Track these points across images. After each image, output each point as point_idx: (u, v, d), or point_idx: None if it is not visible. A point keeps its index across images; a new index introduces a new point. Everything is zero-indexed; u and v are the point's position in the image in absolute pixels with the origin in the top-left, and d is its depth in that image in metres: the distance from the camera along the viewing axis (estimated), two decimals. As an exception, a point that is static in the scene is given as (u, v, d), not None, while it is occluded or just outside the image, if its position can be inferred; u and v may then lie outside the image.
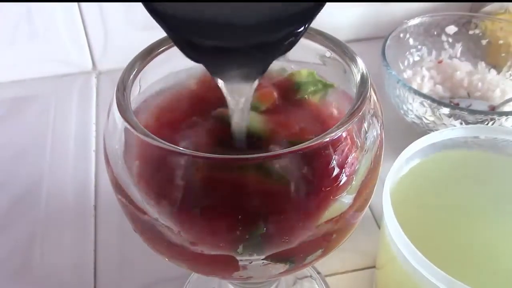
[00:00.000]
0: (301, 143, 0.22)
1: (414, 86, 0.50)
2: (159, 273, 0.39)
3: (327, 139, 0.22)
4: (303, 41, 0.28)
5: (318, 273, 0.39)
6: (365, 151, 0.24)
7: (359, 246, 0.40)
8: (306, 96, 0.28)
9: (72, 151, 0.50)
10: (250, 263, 0.24)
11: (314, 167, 0.23)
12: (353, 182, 0.23)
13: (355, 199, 0.25)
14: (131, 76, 0.25)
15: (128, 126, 0.23)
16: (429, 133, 0.37)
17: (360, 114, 0.23)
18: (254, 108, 0.27)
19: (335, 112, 0.28)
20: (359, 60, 0.26)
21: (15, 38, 0.56)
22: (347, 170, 0.23)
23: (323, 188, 0.23)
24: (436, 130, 0.45)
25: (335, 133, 0.22)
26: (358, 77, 0.25)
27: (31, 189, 0.46)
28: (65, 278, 0.39)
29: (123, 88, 0.24)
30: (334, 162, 0.22)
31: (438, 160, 0.36)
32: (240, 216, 0.22)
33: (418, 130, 0.47)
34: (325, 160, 0.22)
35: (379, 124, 0.25)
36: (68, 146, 0.51)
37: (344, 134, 0.22)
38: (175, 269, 0.34)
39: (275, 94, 0.28)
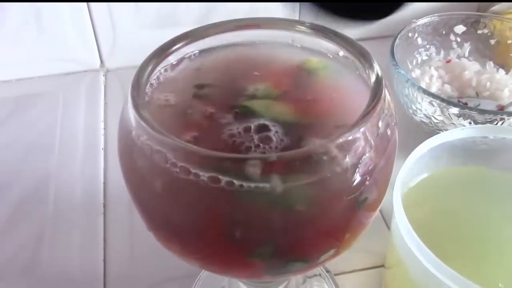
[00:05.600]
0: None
1: (422, 85, 0.50)
2: (169, 271, 0.39)
3: (341, 140, 0.22)
4: (316, 40, 0.28)
5: (328, 271, 0.39)
6: (378, 151, 0.24)
7: (368, 246, 0.40)
8: (317, 82, 0.28)
9: (81, 149, 0.50)
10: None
11: (328, 167, 0.23)
12: (367, 183, 0.23)
13: (368, 200, 0.25)
14: (145, 75, 0.25)
15: (144, 124, 0.23)
16: (438, 132, 0.37)
17: (374, 114, 0.23)
18: (266, 95, 0.27)
19: (346, 96, 0.28)
20: (374, 61, 0.26)
21: (23, 36, 0.56)
22: (361, 170, 0.23)
23: (337, 188, 0.23)
24: (445, 129, 0.45)
25: (349, 134, 0.22)
26: (373, 78, 0.25)
27: (39, 187, 0.46)
28: (74, 276, 0.39)
29: (137, 87, 0.24)
30: (348, 162, 0.22)
31: (455, 171, 0.37)
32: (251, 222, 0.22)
33: (426, 130, 0.47)
34: (339, 160, 0.22)
35: (393, 124, 0.25)
36: (76, 144, 0.51)
37: (358, 135, 0.22)
38: (185, 267, 0.34)
39: (287, 80, 0.28)
